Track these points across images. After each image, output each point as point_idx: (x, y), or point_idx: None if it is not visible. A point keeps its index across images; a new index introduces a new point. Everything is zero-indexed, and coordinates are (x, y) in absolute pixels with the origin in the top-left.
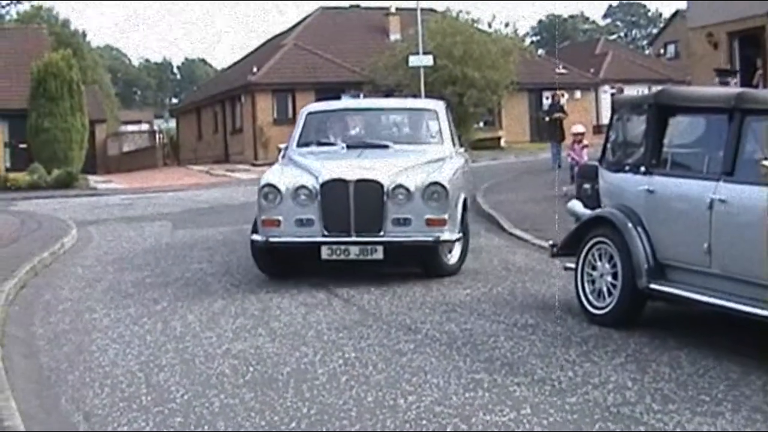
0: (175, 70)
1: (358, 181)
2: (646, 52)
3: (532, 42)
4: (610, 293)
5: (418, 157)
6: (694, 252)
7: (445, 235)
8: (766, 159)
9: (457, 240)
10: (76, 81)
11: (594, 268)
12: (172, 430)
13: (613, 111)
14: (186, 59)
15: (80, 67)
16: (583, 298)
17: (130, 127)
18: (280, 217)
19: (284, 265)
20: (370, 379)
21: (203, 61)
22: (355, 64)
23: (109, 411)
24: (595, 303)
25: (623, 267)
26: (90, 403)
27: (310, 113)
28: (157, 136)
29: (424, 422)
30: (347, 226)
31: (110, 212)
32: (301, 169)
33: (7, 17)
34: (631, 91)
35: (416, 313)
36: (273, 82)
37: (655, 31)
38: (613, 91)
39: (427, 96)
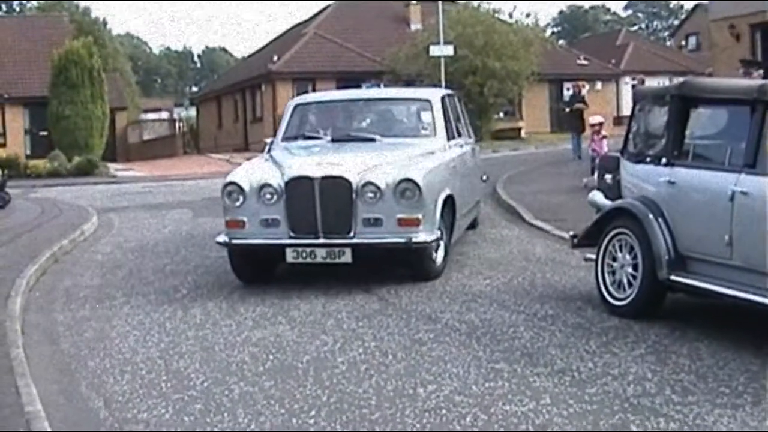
0: (196, 58)
1: (324, 178)
2: (667, 43)
3: (552, 33)
4: (630, 284)
5: (404, 151)
6: (715, 244)
7: (420, 237)
8: None
9: (435, 241)
10: (96, 69)
11: (614, 259)
12: (188, 421)
13: (635, 102)
14: (207, 48)
15: (101, 54)
16: (603, 289)
17: (151, 115)
18: (245, 218)
19: (260, 269)
20: (390, 368)
21: (224, 49)
22: (376, 53)
23: (129, 397)
24: (616, 294)
25: (644, 258)
26: (110, 389)
27: (297, 105)
28: (177, 124)
29: (443, 411)
30: (314, 227)
31: (130, 200)
32: (273, 166)
33: (28, 5)
34: (653, 83)
35: (436, 303)
36: (293, 71)
37: (676, 22)
38: (635, 82)
39: (447, 86)
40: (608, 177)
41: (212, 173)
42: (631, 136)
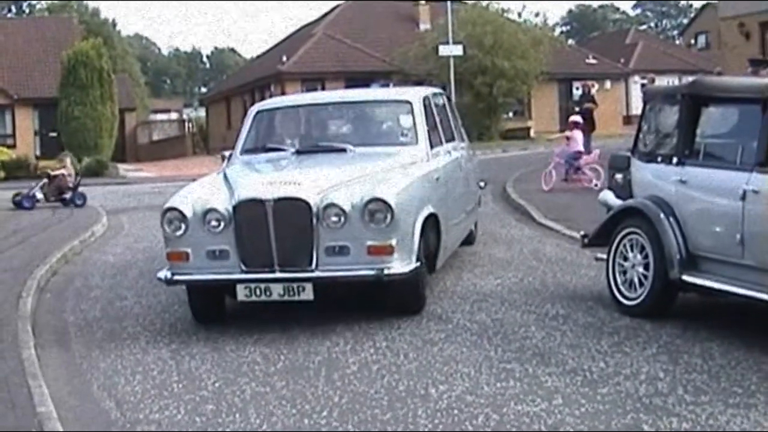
0: (205, 59)
1: (279, 200)
2: (677, 42)
3: (561, 32)
4: (641, 284)
5: (378, 164)
6: (727, 243)
7: (394, 267)
8: None
9: (412, 272)
10: (106, 70)
11: (625, 258)
12: (199, 422)
13: (646, 101)
14: (215, 48)
15: (110, 55)
16: (614, 289)
17: (160, 116)
18: (188, 249)
19: (214, 306)
20: (402, 368)
21: (232, 50)
22: (385, 53)
23: (141, 398)
24: (627, 294)
25: (655, 258)
26: (121, 390)
27: (259, 112)
28: (186, 124)
29: (455, 411)
30: (269, 258)
31: (140, 200)
32: (224, 186)
33: (38, 6)
34: (662, 82)
35: (447, 303)
36: (302, 71)
37: (685, 21)
38: (644, 81)
39: (456, 86)
40: (619, 176)
41: None
42: (641, 135)
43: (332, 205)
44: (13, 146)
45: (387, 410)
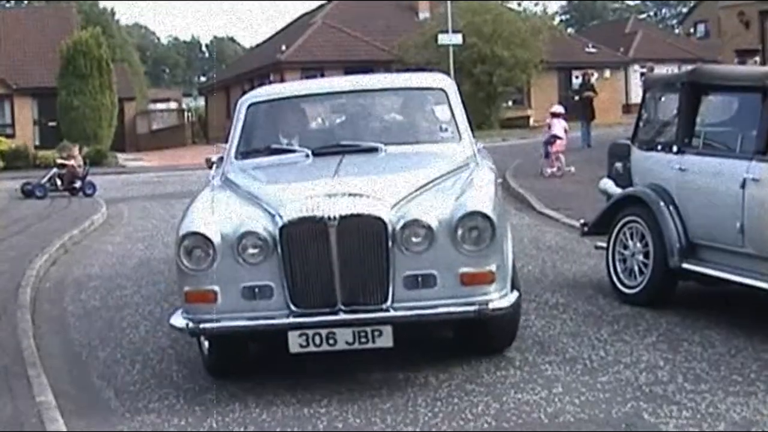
0: (204, 48)
1: (345, 218)
2: (676, 31)
3: (561, 21)
4: (641, 272)
5: (430, 167)
6: (727, 231)
7: (495, 300)
8: None
9: (515, 305)
10: (105, 59)
11: (625, 247)
12: (199, 411)
13: (646, 90)
14: (215, 37)
15: (109, 45)
16: (614, 277)
17: (159, 105)
18: (216, 288)
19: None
20: (401, 357)
21: (232, 39)
22: (384, 42)
23: (140, 387)
24: (627, 282)
25: (655, 246)
26: (121, 380)
27: (252, 105)
28: (185, 114)
29: (455, 400)
30: (330, 295)
31: (140, 190)
32: (245, 201)
33: None
34: (661, 71)
35: None
36: (302, 60)
37: (684, 10)
38: (644, 70)
39: (455, 74)
40: (619, 165)
41: None
42: (641, 123)
43: (414, 222)
44: (12, 136)
45: (387, 399)
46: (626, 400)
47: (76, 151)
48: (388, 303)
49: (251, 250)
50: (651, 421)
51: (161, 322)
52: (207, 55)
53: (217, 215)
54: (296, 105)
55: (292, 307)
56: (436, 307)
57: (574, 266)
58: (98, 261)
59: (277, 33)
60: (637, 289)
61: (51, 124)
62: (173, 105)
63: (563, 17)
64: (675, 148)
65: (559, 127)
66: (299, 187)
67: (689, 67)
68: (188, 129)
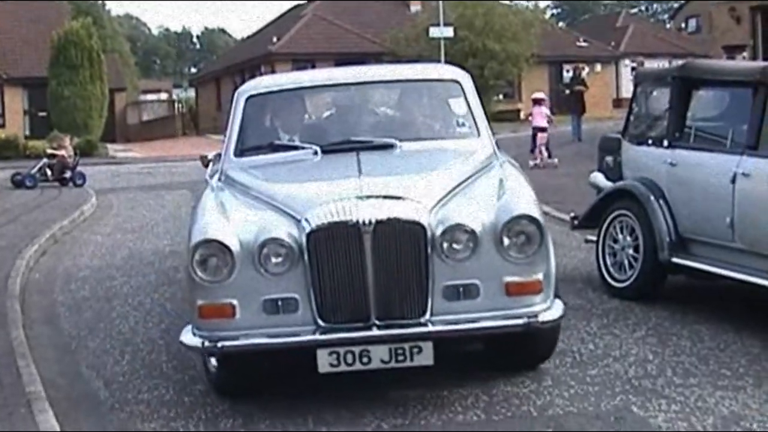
0: (195, 39)
1: (381, 223)
2: (667, 25)
3: (552, 14)
4: (631, 266)
5: (456, 165)
6: (717, 226)
7: (543, 311)
8: None
9: (562, 317)
10: (96, 49)
11: (615, 240)
12: (188, 402)
13: (636, 84)
14: (206, 29)
15: (100, 35)
16: (604, 271)
17: (150, 96)
18: (234, 301)
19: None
20: None
21: (223, 30)
22: (376, 35)
23: (130, 378)
24: (617, 276)
25: (645, 240)
26: (110, 370)
27: (251, 97)
28: (176, 105)
29: (445, 393)
30: (363, 309)
31: (130, 181)
32: (259, 203)
33: None
34: (652, 65)
35: None
36: (293, 52)
37: (676, 5)
38: (634, 64)
39: None
40: (609, 159)
41: None
42: (632, 117)
43: (457, 226)
44: (2, 126)
45: (376, 390)
46: (615, 393)
47: (66, 141)
48: (427, 316)
49: (274, 259)
50: (640, 415)
51: (151, 313)
52: (198, 46)
53: (233, 220)
54: (300, 97)
55: (320, 322)
56: (479, 320)
57: (564, 260)
58: (88, 251)
59: (268, 24)
60: (626, 283)
61: (41, 114)
62: (164, 96)
63: (554, 11)
64: (665, 143)
65: (540, 115)
66: (323, 187)
67: (680, 62)
68: (178, 120)
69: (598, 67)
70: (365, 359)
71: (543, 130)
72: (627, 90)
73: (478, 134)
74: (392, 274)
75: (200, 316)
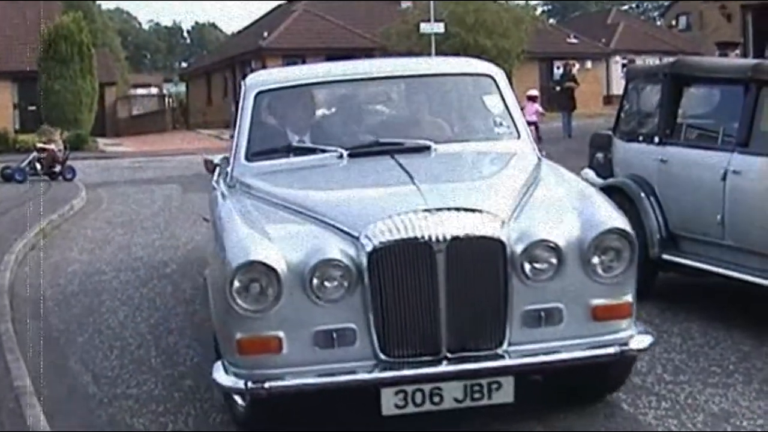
0: (185, 34)
1: (456, 240)
2: (658, 23)
3: (543, 11)
4: None
5: (509, 171)
6: (707, 223)
7: (635, 337)
8: None
9: (653, 344)
10: (86, 44)
11: None
12: (177, 398)
13: (628, 81)
14: (196, 23)
15: (90, 30)
16: None
17: (140, 91)
18: (281, 333)
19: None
20: None
21: (213, 25)
22: (367, 30)
23: (119, 372)
24: None
25: (635, 237)
26: (99, 365)
27: (261, 93)
28: (166, 99)
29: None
30: (433, 339)
31: (120, 175)
32: (297, 216)
33: None
34: (643, 62)
35: None
36: (283, 47)
37: (666, 2)
38: (625, 61)
39: None
40: (600, 155)
41: (202, 149)
42: (623, 114)
43: (540, 243)
44: None
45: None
46: None
47: (56, 135)
48: (504, 347)
49: (328, 283)
50: (630, 412)
51: (140, 308)
52: (188, 41)
53: (275, 238)
54: (317, 93)
55: (381, 356)
56: (564, 349)
57: None
58: (77, 246)
59: (258, 19)
60: None
61: (31, 108)
62: (154, 90)
63: (545, 8)
64: (656, 140)
65: (531, 111)
66: (379, 197)
67: (671, 59)
68: (169, 115)
69: (589, 64)
70: (436, 398)
71: (532, 124)
72: (617, 87)
73: (518, 135)
74: (467, 299)
75: (240, 352)
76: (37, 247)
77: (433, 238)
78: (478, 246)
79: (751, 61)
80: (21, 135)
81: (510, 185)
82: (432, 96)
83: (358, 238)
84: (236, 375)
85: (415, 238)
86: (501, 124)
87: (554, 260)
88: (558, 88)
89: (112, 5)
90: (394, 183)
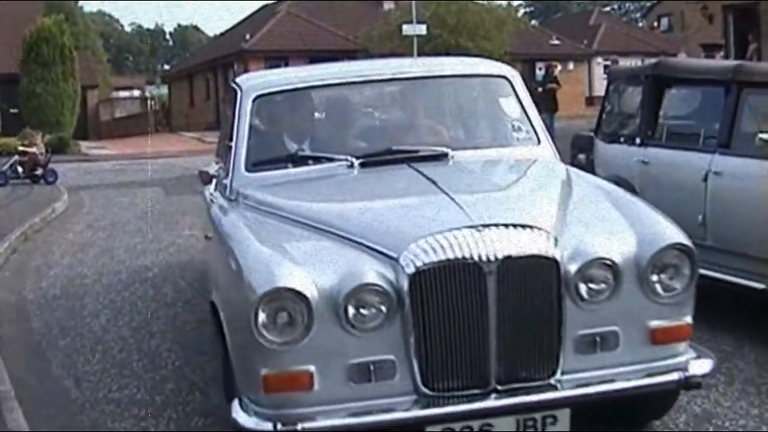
0: (168, 36)
1: (508, 259)
2: (640, 24)
3: (525, 12)
4: None
5: (541, 180)
6: (689, 224)
7: (695, 364)
8: (762, 132)
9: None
10: (68, 46)
11: None
12: (159, 401)
13: (609, 82)
14: (179, 25)
15: (72, 32)
16: None
17: (122, 93)
18: (312, 367)
19: None
20: None
21: (196, 27)
22: (349, 32)
23: (101, 377)
24: None
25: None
26: (81, 369)
27: (259, 97)
28: (148, 102)
29: None
30: (482, 370)
31: (102, 178)
32: (320, 235)
33: None
34: (625, 64)
35: None
36: (266, 49)
37: (648, 3)
38: (607, 62)
39: None
40: (581, 156)
41: (184, 151)
42: (604, 115)
43: (596, 261)
44: None
45: None
46: None
47: (38, 138)
48: (558, 375)
49: (365, 311)
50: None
51: (122, 311)
52: (171, 43)
53: (300, 261)
54: (321, 97)
55: (424, 390)
56: (620, 377)
57: None
58: (59, 249)
59: (241, 21)
60: None
61: (13, 111)
62: (136, 93)
63: (527, 9)
64: (638, 141)
65: None
66: (415, 213)
67: (653, 60)
68: (151, 117)
69: (571, 65)
70: None
71: None
72: (599, 88)
73: (538, 141)
74: (519, 325)
75: (266, 390)
76: (19, 251)
77: (483, 258)
78: (532, 266)
79: (732, 62)
80: (2, 138)
81: (549, 196)
82: (445, 99)
83: (397, 260)
84: (260, 415)
85: (463, 258)
86: (519, 129)
87: (611, 280)
88: (540, 90)
89: (94, 7)
90: (423, 195)
